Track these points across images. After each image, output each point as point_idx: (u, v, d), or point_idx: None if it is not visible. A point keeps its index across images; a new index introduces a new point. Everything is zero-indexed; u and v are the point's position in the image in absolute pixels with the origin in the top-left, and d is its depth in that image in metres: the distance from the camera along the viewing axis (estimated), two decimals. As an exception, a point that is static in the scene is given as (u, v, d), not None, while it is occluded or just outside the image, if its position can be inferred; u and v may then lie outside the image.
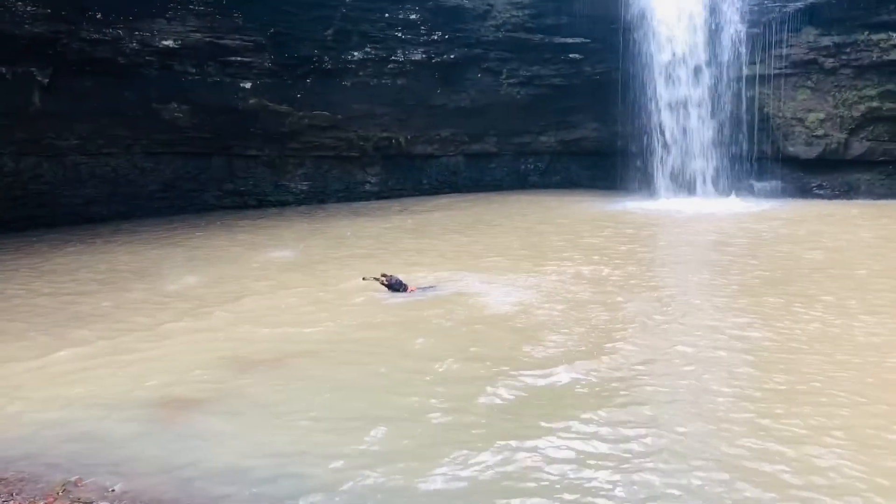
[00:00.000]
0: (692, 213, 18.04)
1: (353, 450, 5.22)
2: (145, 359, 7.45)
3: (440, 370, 6.84)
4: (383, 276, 9.80)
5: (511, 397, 6.15)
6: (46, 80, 16.90)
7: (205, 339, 8.18)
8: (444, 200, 21.66)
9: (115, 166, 18.91)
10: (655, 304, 9.05)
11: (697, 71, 20.31)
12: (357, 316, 8.97)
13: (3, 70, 16.44)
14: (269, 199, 21.21)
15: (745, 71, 19.92)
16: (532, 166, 24.83)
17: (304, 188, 21.77)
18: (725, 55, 20.02)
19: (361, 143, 22.04)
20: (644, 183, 21.18)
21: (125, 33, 17.33)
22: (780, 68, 19.61)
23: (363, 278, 9.86)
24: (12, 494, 4.63)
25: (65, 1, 16.20)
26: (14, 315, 9.41)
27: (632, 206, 19.21)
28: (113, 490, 4.71)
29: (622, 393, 6.21)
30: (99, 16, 16.94)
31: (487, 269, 11.34)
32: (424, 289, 9.97)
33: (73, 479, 4.86)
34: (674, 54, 20.37)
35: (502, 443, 5.24)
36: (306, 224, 17.69)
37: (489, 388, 6.30)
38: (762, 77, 19.83)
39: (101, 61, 17.31)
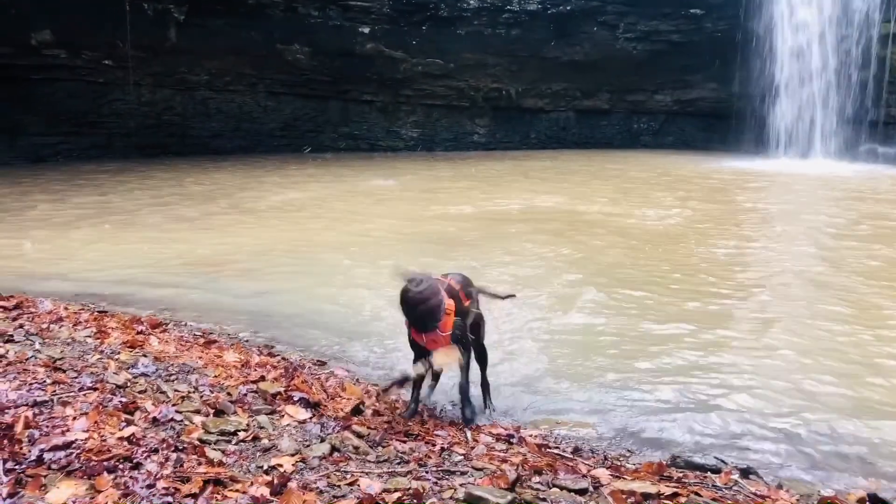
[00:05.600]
0: (815, 175, 17.20)
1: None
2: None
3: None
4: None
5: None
6: (182, 17, 18.10)
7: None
8: (554, 154, 21.61)
9: (241, 103, 20.07)
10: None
11: (824, 29, 19.28)
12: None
13: (146, 6, 17.74)
14: (381, 144, 21.92)
15: (876, 29, 18.74)
16: (645, 125, 24.34)
17: (414, 135, 22.33)
18: (856, 12, 18.90)
19: (472, 93, 22.33)
20: (762, 145, 20.37)
21: (255, -27, 18.26)
22: (918, 26, 18.36)
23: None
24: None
25: (202, -59, 17.25)
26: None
27: (748, 166, 18.46)
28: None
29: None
30: (232, -44, 17.91)
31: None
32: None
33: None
34: (799, 11, 19.42)
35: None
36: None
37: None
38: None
39: (232, 1, 18.31)
